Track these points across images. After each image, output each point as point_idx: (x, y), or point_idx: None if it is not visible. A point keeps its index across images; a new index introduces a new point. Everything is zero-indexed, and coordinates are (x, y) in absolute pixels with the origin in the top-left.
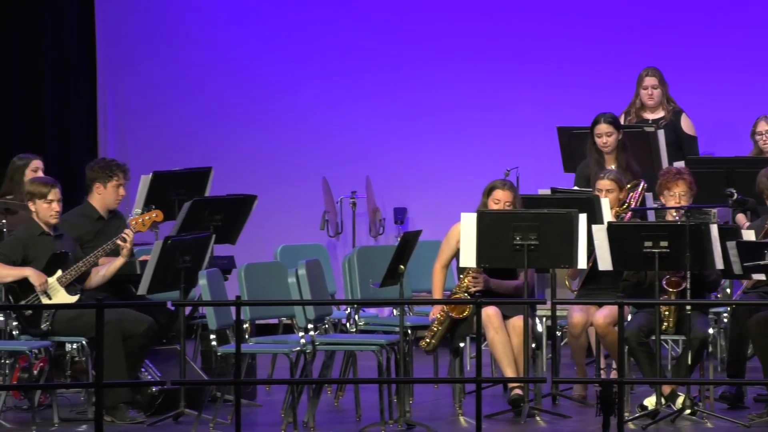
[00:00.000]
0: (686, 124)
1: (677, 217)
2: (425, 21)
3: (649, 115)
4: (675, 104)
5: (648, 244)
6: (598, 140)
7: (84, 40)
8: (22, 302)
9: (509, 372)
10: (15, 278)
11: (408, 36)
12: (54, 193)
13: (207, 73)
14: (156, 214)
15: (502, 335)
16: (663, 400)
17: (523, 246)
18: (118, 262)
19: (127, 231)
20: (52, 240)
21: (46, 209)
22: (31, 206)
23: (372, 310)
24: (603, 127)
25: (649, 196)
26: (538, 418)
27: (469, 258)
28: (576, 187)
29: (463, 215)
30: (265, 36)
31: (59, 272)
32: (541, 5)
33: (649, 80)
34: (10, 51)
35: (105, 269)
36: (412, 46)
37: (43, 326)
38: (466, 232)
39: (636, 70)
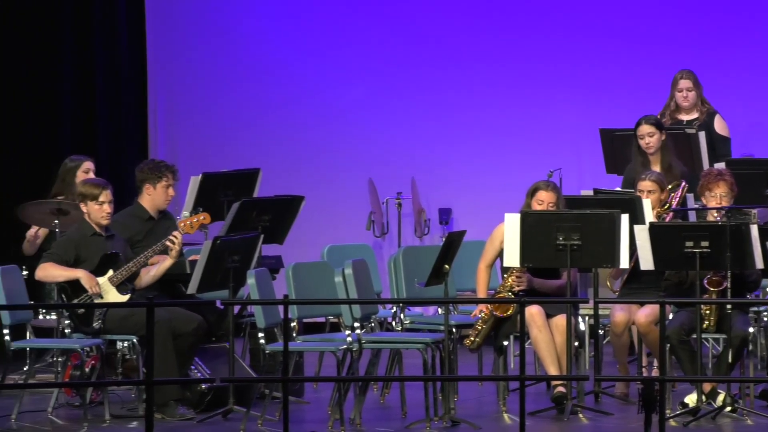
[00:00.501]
0: (719, 126)
1: (718, 218)
2: (469, 22)
3: (684, 117)
4: (709, 106)
5: (689, 244)
6: (641, 141)
7: (134, 44)
8: (75, 301)
9: (552, 370)
10: (67, 279)
11: (454, 38)
12: (105, 195)
13: (254, 75)
14: (203, 217)
15: (546, 334)
16: (704, 398)
17: (566, 246)
18: (168, 262)
19: (175, 233)
20: (103, 240)
21: (98, 210)
22: (83, 207)
23: (417, 309)
24: (645, 129)
25: (690, 196)
26: (580, 415)
27: (512, 258)
28: (617, 189)
29: (507, 216)
30: (311, 38)
31: (110, 272)
32: (584, 8)
33: (684, 83)
34: (62, 54)
35: (155, 269)
36: (458, 48)
37: (95, 325)
38: (510, 233)
39: (675, 72)
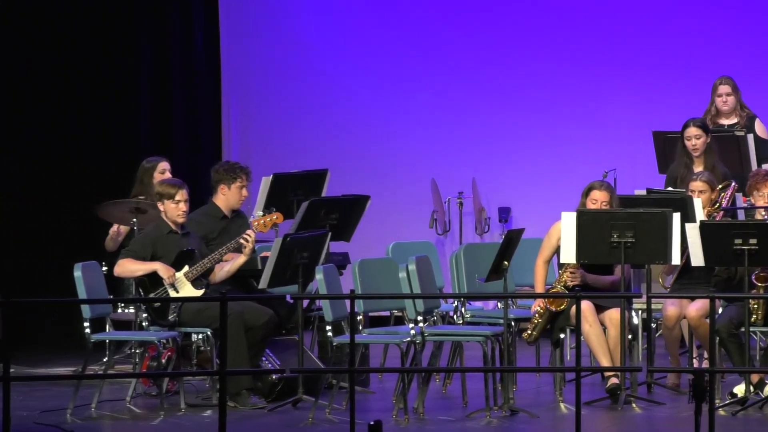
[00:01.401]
0: (760, 129)
1: (766, 216)
2: (528, 27)
3: (724, 121)
4: (748, 110)
5: (738, 241)
6: (687, 143)
7: (209, 49)
8: (151, 295)
9: (604, 362)
10: (145, 272)
11: (513, 40)
12: (181, 194)
13: (323, 79)
14: (276, 216)
15: (596, 328)
16: (752, 388)
17: (620, 243)
18: (241, 259)
19: (249, 231)
20: (179, 238)
21: (174, 209)
22: (160, 206)
23: (477, 303)
24: (693, 131)
25: (738, 196)
26: (634, 405)
27: (569, 254)
28: (670, 188)
29: (564, 214)
30: (378, 43)
31: (186, 268)
32: (638, 13)
33: (723, 88)
34: (140, 59)
35: (229, 265)
36: (518, 51)
37: (171, 318)
38: (566, 230)
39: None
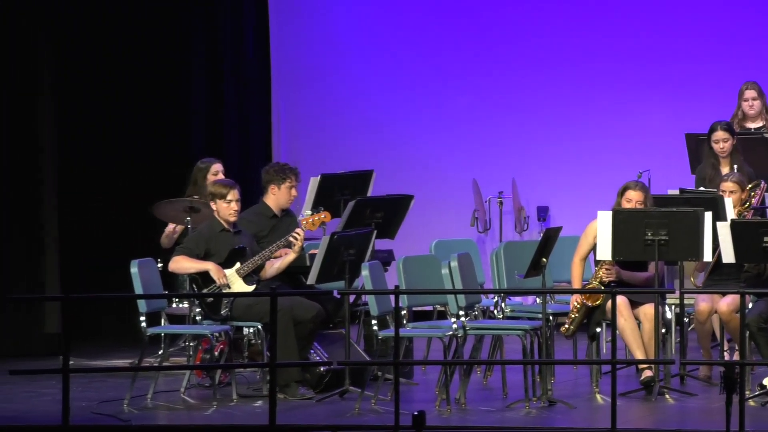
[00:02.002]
0: None
1: None
2: (568, 29)
3: (751, 125)
4: None
5: (767, 239)
6: (715, 146)
7: (259, 54)
8: (204, 291)
9: (638, 355)
10: (197, 270)
11: (552, 43)
12: (233, 194)
13: (368, 83)
14: (324, 215)
15: (631, 322)
16: None
17: (654, 241)
18: (290, 257)
19: (298, 230)
20: (231, 236)
21: (226, 208)
22: (213, 205)
23: (517, 299)
24: (720, 134)
25: None
26: (667, 396)
27: (605, 251)
28: (701, 188)
29: (600, 213)
30: (420, 45)
31: (238, 264)
32: (675, 18)
33: (749, 93)
34: (194, 64)
35: (279, 262)
36: (556, 55)
37: (223, 312)
38: (602, 229)
39: (754, 80)
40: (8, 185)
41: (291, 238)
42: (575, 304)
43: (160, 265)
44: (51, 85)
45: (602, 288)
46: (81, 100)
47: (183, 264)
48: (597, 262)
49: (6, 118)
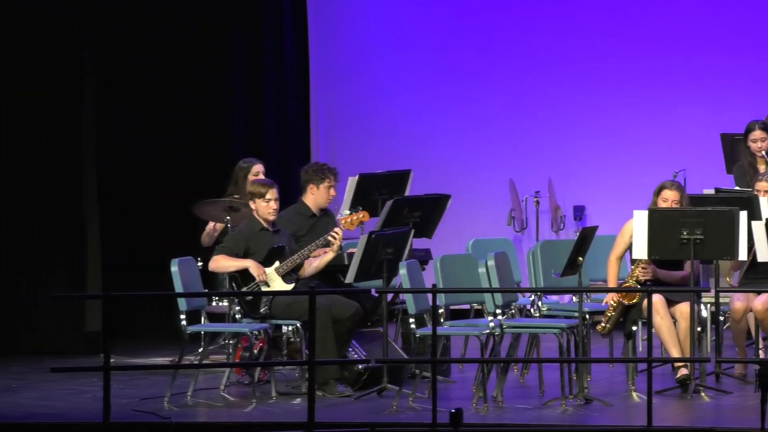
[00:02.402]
0: None
1: None
2: (605, 29)
3: None
4: None
5: None
6: (752, 145)
7: (298, 56)
8: (244, 289)
9: (674, 353)
10: (237, 269)
11: (588, 45)
12: (272, 193)
13: (406, 83)
14: (363, 215)
15: (667, 320)
16: None
17: (690, 240)
18: (329, 256)
19: (337, 229)
20: (270, 235)
21: (265, 208)
22: (252, 205)
23: (553, 297)
24: (757, 134)
25: None
26: (702, 394)
27: (641, 250)
28: (737, 187)
29: (636, 212)
30: (456, 45)
31: (277, 263)
32: (712, 18)
33: None
34: (234, 64)
35: (317, 261)
36: (592, 56)
37: (262, 310)
38: (638, 228)
39: None
40: (50, 185)
41: (330, 238)
42: (611, 302)
43: (200, 263)
44: (93, 84)
45: (638, 287)
46: (122, 100)
47: (223, 263)
48: (633, 261)
49: (49, 119)
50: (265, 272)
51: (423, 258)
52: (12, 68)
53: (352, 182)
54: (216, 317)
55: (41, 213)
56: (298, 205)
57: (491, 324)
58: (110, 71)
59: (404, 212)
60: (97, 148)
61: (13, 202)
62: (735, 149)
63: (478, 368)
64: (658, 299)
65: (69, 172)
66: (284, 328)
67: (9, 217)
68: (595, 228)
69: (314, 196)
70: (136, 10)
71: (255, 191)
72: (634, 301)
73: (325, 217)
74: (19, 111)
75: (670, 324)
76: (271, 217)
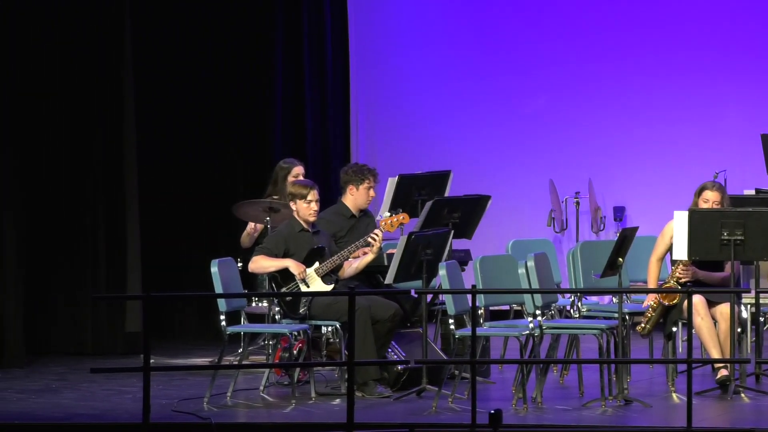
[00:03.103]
0: None
1: None
2: (637, 28)
3: None
4: None
5: None
6: None
7: (338, 58)
8: (284, 289)
9: (715, 354)
10: (277, 268)
11: (628, 46)
12: (313, 195)
13: (445, 84)
14: (403, 217)
15: (707, 321)
16: None
17: (730, 241)
18: (368, 257)
19: (377, 231)
20: (310, 236)
21: (306, 209)
22: (293, 205)
23: (593, 298)
24: None
25: None
26: (742, 395)
27: (681, 251)
28: None
29: (677, 213)
30: (495, 46)
31: (317, 264)
32: (751, 18)
33: None
34: (275, 66)
35: (357, 262)
36: (633, 56)
37: (301, 311)
38: (678, 229)
39: None
40: (91, 184)
41: (369, 239)
42: (652, 303)
43: (239, 264)
44: (132, 84)
45: (678, 288)
46: (162, 100)
47: (262, 263)
48: (673, 262)
49: (89, 118)
50: (305, 270)
51: (462, 259)
52: (49, 69)
53: (392, 183)
54: (255, 318)
55: (81, 213)
56: (338, 206)
57: (531, 325)
58: (150, 69)
59: (444, 213)
60: (138, 147)
61: (54, 201)
62: None
63: (518, 369)
64: (698, 300)
65: (109, 172)
66: (324, 329)
67: (49, 216)
68: (635, 229)
69: (354, 197)
70: (177, 6)
71: (296, 192)
72: (675, 302)
73: (365, 218)
74: (60, 111)
75: (710, 325)
76: (312, 219)
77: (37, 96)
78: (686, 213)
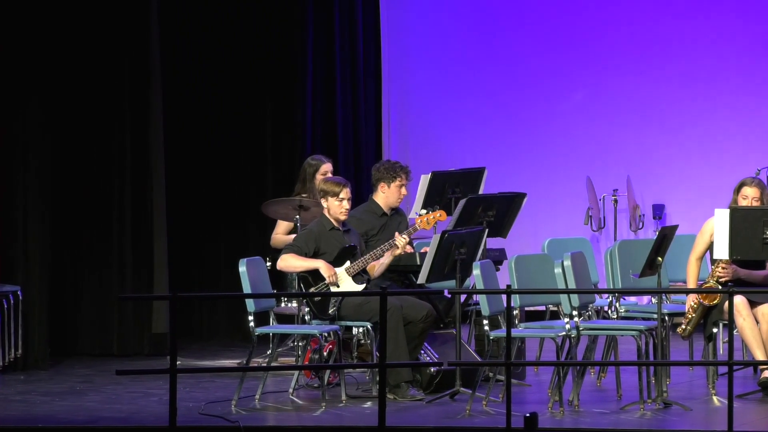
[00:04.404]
0: None
1: None
2: (675, 25)
3: None
4: None
5: None
6: None
7: (370, 54)
8: (313, 289)
9: (759, 355)
10: (306, 269)
11: (668, 43)
12: (345, 192)
13: (480, 79)
14: (440, 214)
15: (750, 322)
16: None
17: None
18: (387, 259)
19: (404, 236)
20: (341, 234)
21: (338, 207)
22: (324, 203)
23: (632, 299)
24: None
25: None
26: None
27: (722, 250)
28: None
29: (717, 211)
30: (533, 41)
31: (348, 263)
32: None
33: None
34: (306, 62)
35: (384, 259)
36: (673, 53)
37: (331, 311)
38: (719, 227)
39: None
40: (118, 181)
41: (396, 241)
42: (692, 303)
43: (269, 263)
44: (161, 80)
45: (719, 287)
46: (191, 96)
47: (292, 262)
48: (713, 261)
49: (116, 115)
50: (335, 273)
51: (497, 258)
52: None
53: (424, 180)
54: (285, 318)
55: (108, 211)
56: (369, 203)
57: (567, 326)
58: (178, 65)
59: (478, 211)
60: (165, 143)
61: (79, 199)
62: None
63: (554, 371)
64: (740, 300)
65: (136, 169)
66: (355, 330)
67: (76, 215)
68: (675, 227)
69: (385, 195)
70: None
71: (328, 189)
72: (716, 302)
73: (397, 216)
74: (85, 109)
75: (752, 325)
76: (343, 217)
77: (63, 92)
78: (727, 211)
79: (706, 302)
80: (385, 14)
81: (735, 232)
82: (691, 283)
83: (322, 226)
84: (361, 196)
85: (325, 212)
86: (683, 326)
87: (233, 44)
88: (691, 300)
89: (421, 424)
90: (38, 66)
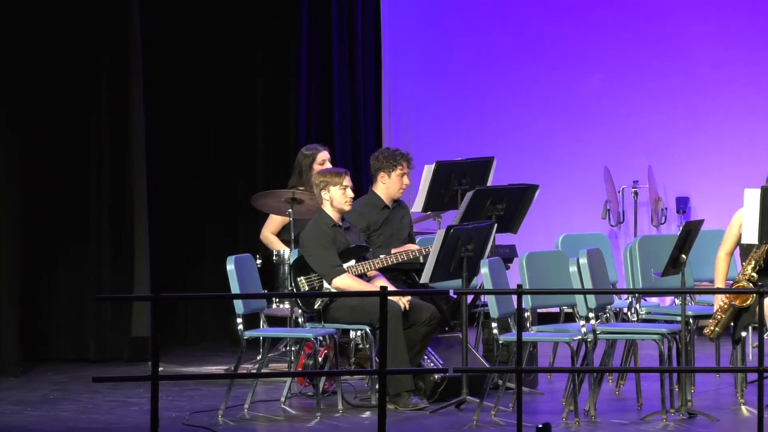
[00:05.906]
0: None
1: None
2: (701, 12)
3: None
4: None
5: None
6: None
7: (369, 30)
8: (303, 281)
9: None
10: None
11: (690, 30)
12: (347, 180)
13: (487, 61)
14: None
15: None
16: None
17: None
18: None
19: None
20: (342, 232)
21: (342, 195)
22: (325, 195)
23: (653, 299)
24: None
25: None
26: None
27: (751, 234)
28: None
29: (747, 191)
30: (547, 28)
31: (352, 262)
32: None
33: None
34: (301, 48)
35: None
36: (696, 39)
37: (317, 306)
38: (749, 209)
39: None
40: (96, 171)
41: (413, 254)
42: (721, 304)
43: (259, 261)
44: (140, 65)
45: (751, 286)
46: (174, 84)
47: (351, 284)
48: (743, 257)
49: (98, 105)
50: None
51: (507, 255)
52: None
53: (428, 171)
54: (276, 321)
55: (84, 205)
56: (369, 196)
57: (583, 329)
58: (161, 50)
59: (486, 204)
60: (147, 132)
61: (54, 192)
62: None
63: (569, 378)
64: None
65: (115, 159)
66: (352, 334)
67: (49, 210)
68: (700, 222)
69: (386, 186)
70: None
71: (330, 179)
72: (747, 303)
73: (399, 209)
74: (59, 97)
75: None
76: (347, 207)
77: (36, 85)
78: (758, 191)
79: (737, 303)
80: (386, 4)
81: (766, 215)
82: (719, 282)
83: (326, 224)
84: (361, 189)
85: (326, 205)
86: (711, 327)
87: (221, 26)
88: (720, 300)
89: None
90: (7, 53)
